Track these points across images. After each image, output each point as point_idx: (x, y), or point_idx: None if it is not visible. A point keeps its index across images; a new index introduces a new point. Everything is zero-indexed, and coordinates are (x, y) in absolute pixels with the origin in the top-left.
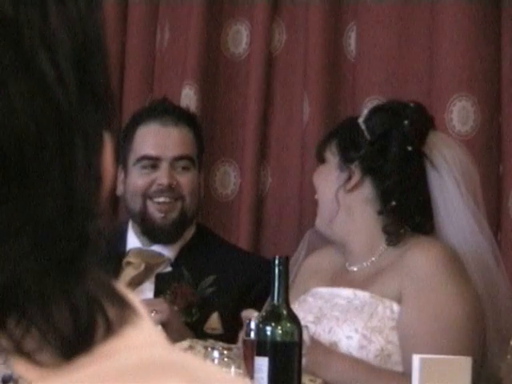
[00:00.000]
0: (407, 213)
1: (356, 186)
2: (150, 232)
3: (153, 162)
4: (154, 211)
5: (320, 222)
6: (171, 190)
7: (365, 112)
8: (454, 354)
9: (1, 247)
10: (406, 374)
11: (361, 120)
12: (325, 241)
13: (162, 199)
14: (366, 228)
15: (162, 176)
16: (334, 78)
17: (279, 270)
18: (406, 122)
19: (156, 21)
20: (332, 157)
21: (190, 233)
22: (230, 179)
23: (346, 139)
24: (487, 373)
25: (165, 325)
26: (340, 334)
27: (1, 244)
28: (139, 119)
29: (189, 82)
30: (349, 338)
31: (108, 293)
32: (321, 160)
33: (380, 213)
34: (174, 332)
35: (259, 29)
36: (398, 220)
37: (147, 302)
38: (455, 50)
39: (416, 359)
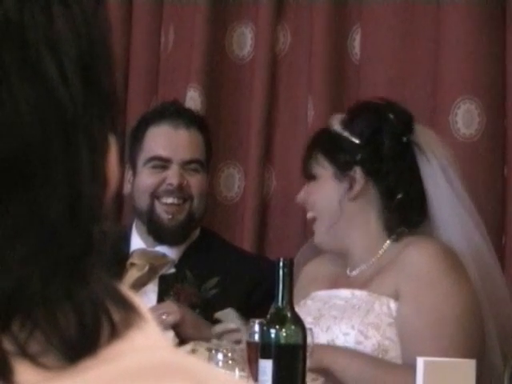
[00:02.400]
0: (411, 205)
1: (361, 192)
2: (157, 232)
3: (163, 163)
4: (162, 212)
5: (321, 237)
6: (181, 190)
7: (336, 121)
8: (453, 346)
9: (6, 250)
10: (408, 366)
11: (337, 128)
12: (320, 254)
13: (170, 200)
14: (369, 231)
15: (172, 176)
16: (339, 81)
17: (283, 273)
18: (391, 115)
19: (160, 23)
20: (323, 170)
21: (194, 235)
22: (234, 181)
23: (332, 149)
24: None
25: (179, 325)
26: (337, 332)
27: (6, 247)
28: (150, 119)
29: (193, 84)
30: (346, 334)
31: (113, 296)
32: (310, 177)
33: (386, 209)
34: (190, 329)
35: (263, 31)
36: (400, 215)
37: (157, 307)
38: (460, 52)
39: (420, 362)
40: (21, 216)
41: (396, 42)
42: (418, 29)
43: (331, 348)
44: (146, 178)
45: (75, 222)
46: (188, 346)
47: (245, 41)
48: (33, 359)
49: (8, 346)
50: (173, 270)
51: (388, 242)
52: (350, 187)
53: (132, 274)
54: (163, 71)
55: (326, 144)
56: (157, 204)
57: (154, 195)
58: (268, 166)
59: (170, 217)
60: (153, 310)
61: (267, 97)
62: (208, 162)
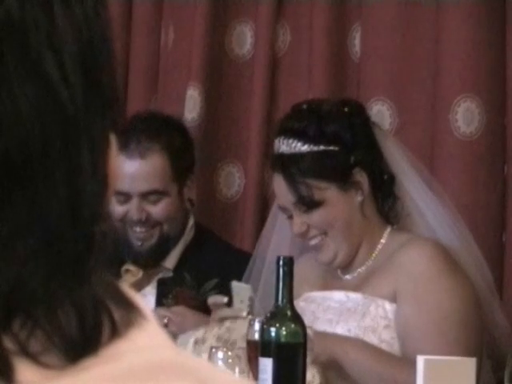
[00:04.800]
0: (394, 182)
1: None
2: (131, 256)
3: (124, 197)
4: (133, 239)
5: (333, 253)
6: (143, 222)
7: (295, 144)
8: (457, 341)
9: (6, 249)
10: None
11: (305, 148)
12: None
13: (138, 229)
14: (370, 223)
15: (131, 210)
16: (339, 79)
17: (283, 271)
18: (346, 109)
19: (160, 22)
20: (327, 191)
21: (189, 236)
22: (234, 180)
23: (321, 168)
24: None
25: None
26: None
27: (6, 246)
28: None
29: (193, 83)
30: None
31: (113, 295)
32: (315, 205)
33: (378, 195)
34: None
35: (263, 30)
36: (390, 195)
37: (173, 309)
38: (460, 50)
39: (420, 360)
40: (21, 215)
41: (396, 41)
42: (418, 27)
43: (342, 338)
44: (115, 207)
45: (76, 221)
46: (199, 332)
47: (244, 39)
48: (34, 358)
49: (9, 344)
50: (170, 274)
51: (388, 229)
52: (357, 190)
53: (127, 279)
54: (163, 70)
55: (309, 167)
56: (129, 230)
57: (125, 222)
58: (268, 164)
59: (139, 243)
60: (161, 310)
61: (267, 95)
62: (181, 177)
